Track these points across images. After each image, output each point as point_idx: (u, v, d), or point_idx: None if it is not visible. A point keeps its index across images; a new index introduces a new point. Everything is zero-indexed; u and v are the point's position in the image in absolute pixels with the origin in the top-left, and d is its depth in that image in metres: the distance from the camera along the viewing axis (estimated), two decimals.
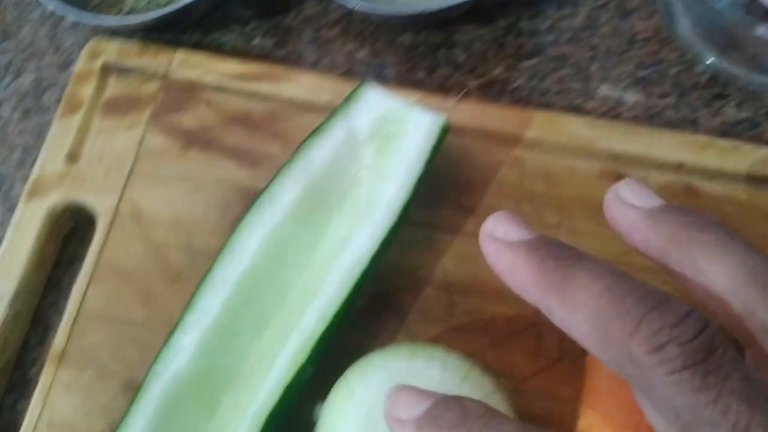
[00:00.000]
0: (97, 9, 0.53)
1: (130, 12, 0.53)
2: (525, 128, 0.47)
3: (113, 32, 0.53)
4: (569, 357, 0.42)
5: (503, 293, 0.43)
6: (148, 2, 0.53)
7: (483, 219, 0.44)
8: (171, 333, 0.40)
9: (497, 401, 0.37)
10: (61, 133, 0.50)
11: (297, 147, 0.43)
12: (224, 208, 0.47)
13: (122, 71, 0.52)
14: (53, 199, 0.48)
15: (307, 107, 0.49)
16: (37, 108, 0.55)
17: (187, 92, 0.50)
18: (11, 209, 0.51)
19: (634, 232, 0.30)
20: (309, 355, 0.39)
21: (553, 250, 0.29)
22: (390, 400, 0.31)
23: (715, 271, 0.28)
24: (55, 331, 0.46)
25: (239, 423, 0.39)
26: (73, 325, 0.46)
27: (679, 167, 0.45)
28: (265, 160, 0.48)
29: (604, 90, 0.51)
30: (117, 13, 0.53)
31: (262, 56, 0.54)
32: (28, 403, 0.45)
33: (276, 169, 0.43)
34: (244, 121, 0.49)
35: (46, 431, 0.44)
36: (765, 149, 0.46)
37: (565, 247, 0.29)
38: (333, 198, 0.43)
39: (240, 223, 0.42)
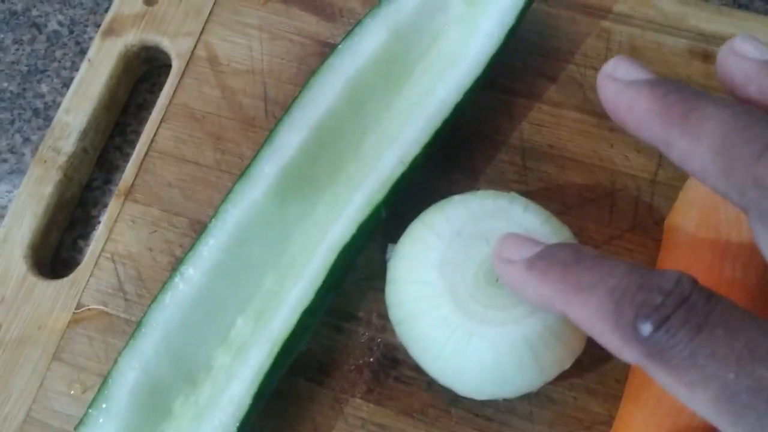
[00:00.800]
0: None
1: None
2: (614, 1, 0.46)
3: None
4: (642, 227, 0.42)
5: (579, 161, 0.43)
6: None
7: (565, 88, 0.45)
8: (247, 167, 0.40)
9: None
10: None
11: None
12: (300, 60, 0.47)
13: None
14: (129, 38, 0.48)
15: None
16: None
17: None
18: (83, 52, 0.51)
19: (749, 83, 0.30)
20: (385, 196, 0.39)
21: (677, 86, 0.28)
22: (501, 242, 0.32)
23: None
24: (120, 174, 0.46)
25: (310, 258, 0.39)
26: (142, 161, 0.45)
27: None
28: (345, 14, 0.48)
29: None
30: None
31: None
32: (89, 242, 0.45)
33: (359, 21, 0.42)
34: None
35: (109, 262, 0.44)
36: None
37: (687, 86, 0.29)
38: (418, 48, 0.43)
39: (321, 67, 0.41)
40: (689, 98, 0.27)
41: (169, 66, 0.48)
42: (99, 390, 0.37)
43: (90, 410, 0.36)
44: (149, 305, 0.38)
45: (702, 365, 0.23)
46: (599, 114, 0.44)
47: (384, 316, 0.40)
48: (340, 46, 0.42)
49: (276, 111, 0.46)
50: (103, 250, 0.44)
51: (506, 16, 0.41)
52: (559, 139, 0.44)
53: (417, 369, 0.38)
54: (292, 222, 0.41)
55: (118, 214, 0.44)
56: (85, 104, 0.47)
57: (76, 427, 0.36)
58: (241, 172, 0.40)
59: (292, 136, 0.40)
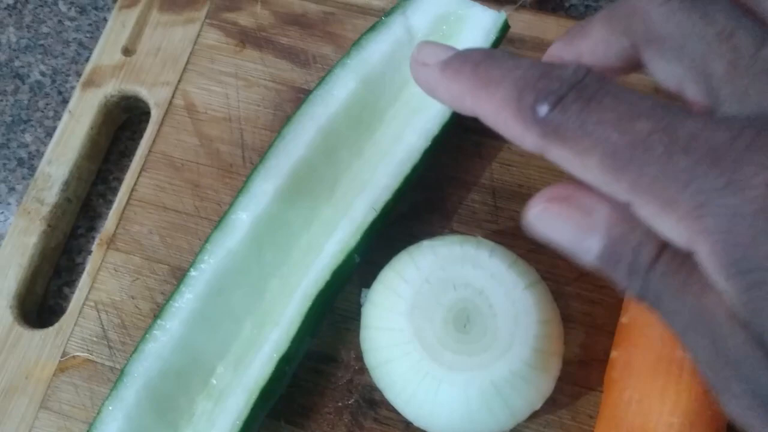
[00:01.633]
0: None
1: None
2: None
3: None
4: None
5: None
6: None
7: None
8: (224, 215, 0.41)
9: (542, 290, 0.38)
10: (118, 26, 0.51)
11: (354, 43, 0.44)
12: (276, 107, 0.48)
13: None
14: (108, 89, 0.49)
15: (362, 10, 0.49)
16: (93, 5, 0.55)
17: None
18: (65, 101, 0.52)
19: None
20: (357, 242, 0.40)
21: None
22: (418, 48, 0.31)
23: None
24: (104, 221, 0.47)
25: (286, 305, 0.40)
26: (123, 210, 0.46)
27: None
28: (319, 61, 0.49)
29: None
30: None
31: None
32: (73, 290, 0.46)
33: (330, 69, 0.43)
34: (298, 21, 0.50)
35: (93, 311, 0.45)
36: None
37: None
38: (387, 95, 0.44)
39: (295, 115, 0.43)
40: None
41: (150, 113, 0.49)
42: None
43: None
44: (131, 354, 0.39)
45: (590, 132, 0.24)
46: None
47: (362, 357, 0.41)
48: (311, 95, 0.43)
49: (253, 157, 0.47)
50: (86, 298, 0.45)
51: None
52: (529, 178, 0.45)
53: (395, 410, 0.39)
54: (268, 268, 0.42)
55: (101, 262, 0.46)
56: (66, 155, 0.48)
57: None
58: (219, 219, 0.41)
59: (266, 184, 0.41)
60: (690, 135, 0.23)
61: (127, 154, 0.51)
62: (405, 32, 0.43)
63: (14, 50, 0.54)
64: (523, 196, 0.45)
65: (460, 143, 0.46)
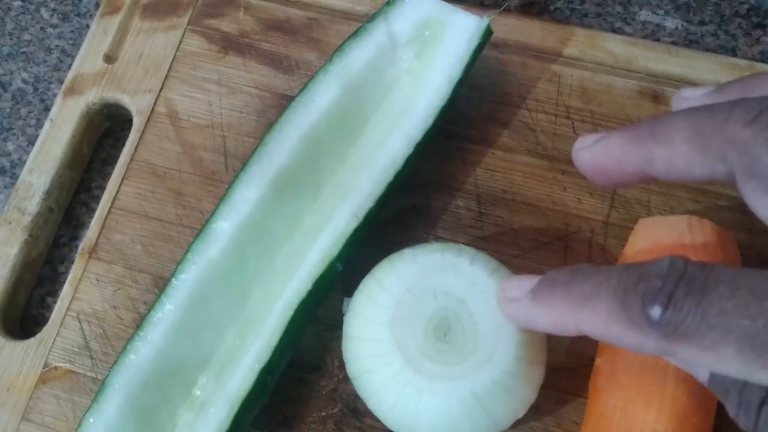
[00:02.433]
0: None
1: None
2: (564, 44, 0.47)
3: None
4: None
5: (533, 205, 0.44)
6: None
7: (517, 133, 0.46)
8: (206, 223, 0.41)
9: None
10: (100, 33, 0.50)
11: (336, 49, 0.43)
12: (259, 113, 0.48)
13: None
14: (90, 97, 0.49)
15: (345, 16, 0.49)
16: (76, 12, 0.55)
17: None
18: (47, 109, 0.52)
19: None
20: (340, 250, 0.40)
21: (637, 121, 0.32)
22: (502, 286, 0.34)
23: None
24: (86, 230, 0.47)
25: (268, 313, 0.39)
26: (105, 219, 0.46)
27: None
28: (302, 67, 0.48)
29: (643, 15, 0.50)
30: None
31: None
32: (56, 299, 0.45)
33: (312, 76, 0.43)
34: (282, 27, 0.49)
35: (75, 321, 0.44)
36: None
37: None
38: (369, 101, 0.43)
39: (277, 123, 0.42)
40: (652, 118, 0.30)
41: (132, 121, 0.49)
42: None
43: None
44: (112, 366, 0.38)
45: (716, 324, 0.24)
46: (551, 158, 0.45)
47: (345, 366, 0.40)
48: (293, 102, 0.42)
49: (236, 165, 0.47)
50: (68, 309, 0.45)
51: (454, 69, 0.42)
52: (513, 183, 0.45)
53: (379, 419, 0.39)
54: (250, 277, 0.41)
55: (83, 272, 0.45)
56: (48, 164, 0.48)
57: None
58: (201, 227, 0.41)
59: (248, 192, 0.41)
60: None
61: (110, 161, 0.50)
62: (387, 38, 0.43)
63: None
64: (507, 201, 0.44)
65: (444, 149, 0.46)
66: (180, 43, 0.50)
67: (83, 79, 0.49)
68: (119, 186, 0.47)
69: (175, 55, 0.49)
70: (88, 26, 0.54)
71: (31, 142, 0.51)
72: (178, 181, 0.47)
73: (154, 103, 0.48)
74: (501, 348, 0.35)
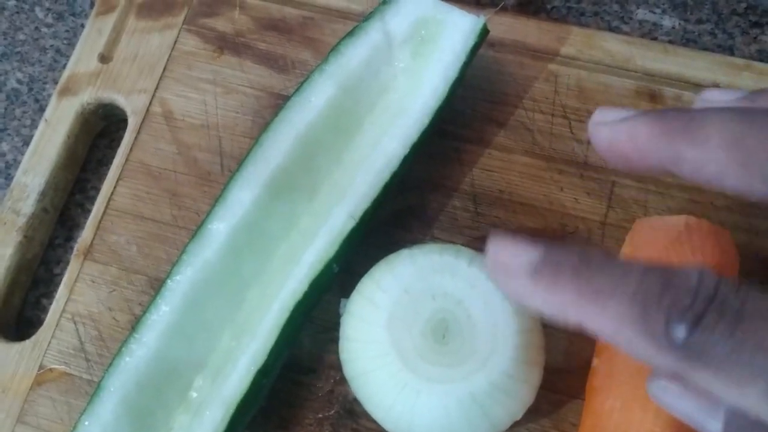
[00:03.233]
0: None
1: None
2: (561, 44, 0.47)
3: None
4: None
5: (530, 205, 0.44)
6: None
7: (514, 133, 0.45)
8: (201, 224, 0.40)
9: None
10: (94, 33, 0.50)
11: (332, 49, 0.43)
12: (255, 113, 0.48)
13: None
14: (85, 97, 0.49)
15: (341, 15, 0.49)
16: (71, 11, 0.55)
17: None
18: (42, 109, 0.51)
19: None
20: (336, 251, 0.40)
21: (668, 108, 0.29)
22: (493, 248, 0.28)
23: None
24: (82, 231, 0.47)
25: (264, 315, 0.39)
26: (100, 220, 0.46)
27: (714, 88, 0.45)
28: (298, 66, 0.48)
29: (641, 13, 0.50)
30: None
31: None
32: (52, 300, 0.45)
33: (307, 75, 0.43)
34: (277, 26, 0.49)
35: (70, 323, 0.44)
36: None
37: (676, 107, 0.28)
38: (365, 101, 0.43)
39: (272, 123, 0.42)
40: (685, 111, 0.27)
41: (127, 121, 0.49)
42: None
43: None
44: (107, 368, 0.38)
45: (748, 361, 0.22)
46: (548, 158, 0.45)
47: (341, 368, 0.40)
48: (289, 101, 0.42)
49: (231, 165, 0.46)
50: (63, 310, 0.44)
51: (450, 69, 0.42)
52: (510, 184, 0.45)
53: (376, 421, 0.38)
54: (247, 278, 0.41)
55: (78, 274, 0.45)
56: (43, 164, 0.47)
57: None
58: (196, 228, 0.41)
59: (244, 193, 0.41)
60: None
61: (105, 162, 0.50)
62: (383, 37, 0.43)
63: None
64: (504, 201, 0.44)
65: (441, 149, 0.46)
66: (175, 43, 0.49)
67: (78, 79, 0.49)
68: (114, 187, 0.46)
69: (170, 54, 0.49)
70: (82, 26, 0.54)
71: (26, 143, 0.51)
72: (173, 182, 0.46)
73: (149, 103, 0.48)
74: (499, 350, 0.35)
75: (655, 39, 0.49)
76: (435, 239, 0.44)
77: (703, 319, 0.23)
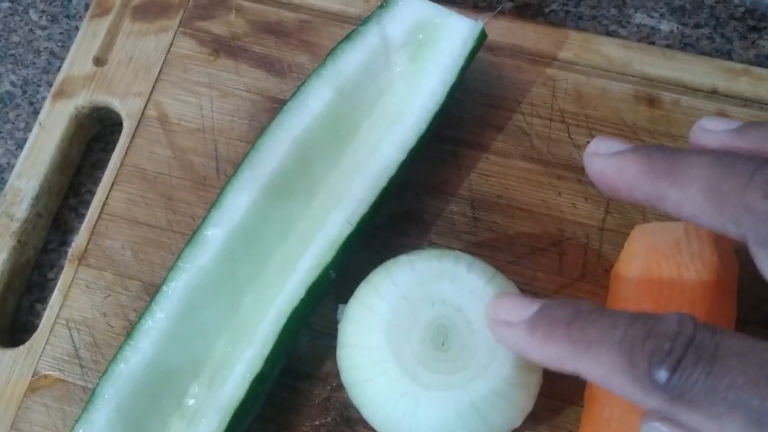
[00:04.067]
0: None
1: None
2: (559, 48, 0.46)
3: None
4: (591, 275, 0.42)
5: (528, 211, 0.44)
6: None
7: (512, 138, 0.45)
8: (196, 229, 0.40)
9: None
10: (89, 36, 0.50)
11: (329, 53, 0.43)
12: (251, 117, 0.47)
13: None
14: (80, 100, 0.48)
15: (338, 18, 0.49)
16: (65, 13, 0.54)
17: None
18: (36, 112, 0.51)
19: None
20: (333, 257, 0.39)
21: (658, 146, 0.31)
22: (494, 305, 0.33)
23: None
24: (76, 235, 0.46)
25: (261, 321, 0.39)
26: (95, 225, 0.45)
27: (712, 93, 0.45)
28: (294, 70, 0.48)
29: (638, 18, 0.50)
30: None
31: None
32: (46, 306, 0.45)
33: (304, 79, 0.43)
34: (274, 30, 0.49)
35: (64, 329, 0.44)
36: None
37: (667, 146, 0.31)
38: (362, 105, 0.43)
39: (269, 127, 0.42)
40: (671, 153, 0.29)
41: (122, 124, 0.48)
42: None
43: None
44: (101, 375, 0.38)
45: (723, 397, 0.24)
46: (546, 162, 0.44)
47: (338, 374, 0.40)
48: (286, 105, 0.42)
49: (227, 169, 0.46)
50: (58, 316, 0.44)
51: (448, 73, 0.41)
52: (507, 188, 0.44)
53: (373, 428, 0.38)
54: (243, 283, 0.41)
55: (72, 279, 0.44)
56: (37, 168, 0.47)
57: None
58: (192, 233, 0.40)
59: (240, 198, 0.40)
60: None
61: (100, 166, 0.50)
62: (381, 41, 0.42)
63: None
64: (501, 206, 0.44)
65: (438, 154, 0.45)
66: (170, 46, 0.49)
67: (72, 81, 0.49)
68: (109, 191, 0.46)
69: (165, 57, 0.49)
70: (77, 28, 0.53)
71: (20, 146, 0.51)
72: (168, 186, 0.46)
73: (145, 107, 0.48)
74: (498, 356, 0.35)
75: (653, 43, 0.49)
76: (432, 244, 0.44)
77: (681, 362, 0.25)
